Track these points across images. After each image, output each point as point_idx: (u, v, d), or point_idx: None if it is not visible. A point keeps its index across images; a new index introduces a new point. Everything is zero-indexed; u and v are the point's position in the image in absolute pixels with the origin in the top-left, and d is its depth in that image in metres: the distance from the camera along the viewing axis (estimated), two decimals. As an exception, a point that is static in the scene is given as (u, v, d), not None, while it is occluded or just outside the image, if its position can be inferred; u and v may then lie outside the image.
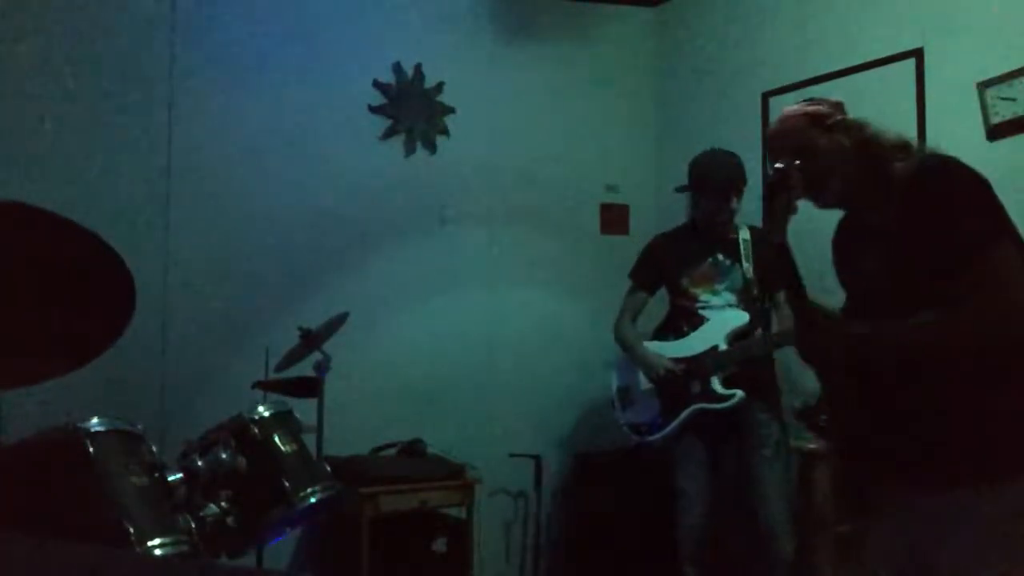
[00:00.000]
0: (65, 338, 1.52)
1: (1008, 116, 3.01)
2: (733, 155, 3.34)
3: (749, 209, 3.30)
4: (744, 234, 3.33)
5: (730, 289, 3.29)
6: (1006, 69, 3.03)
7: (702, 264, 3.33)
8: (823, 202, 1.92)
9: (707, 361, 3.20)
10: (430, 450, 3.67)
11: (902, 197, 1.75)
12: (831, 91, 3.66)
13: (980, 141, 3.06)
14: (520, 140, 4.28)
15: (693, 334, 3.28)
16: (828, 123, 1.88)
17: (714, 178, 3.27)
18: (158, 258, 3.46)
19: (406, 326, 3.96)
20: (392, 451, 3.68)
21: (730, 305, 3.27)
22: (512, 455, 3.95)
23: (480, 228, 4.18)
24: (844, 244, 2.00)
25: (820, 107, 1.93)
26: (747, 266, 3.26)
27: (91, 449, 1.95)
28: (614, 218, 4.51)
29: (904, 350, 1.70)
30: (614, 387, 3.52)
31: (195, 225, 3.55)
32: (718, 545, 3.45)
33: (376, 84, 3.95)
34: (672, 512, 3.33)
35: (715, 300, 3.29)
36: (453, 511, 3.64)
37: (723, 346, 3.19)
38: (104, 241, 1.46)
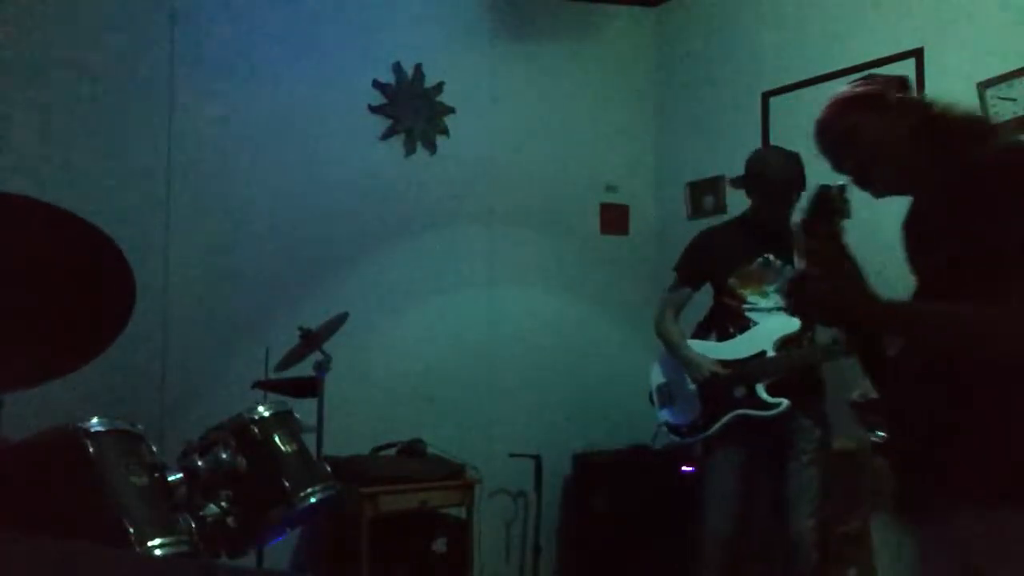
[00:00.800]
0: (65, 337, 1.51)
1: (1008, 116, 3.01)
2: (794, 154, 3.15)
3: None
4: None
5: (780, 292, 3.11)
6: (1006, 69, 3.03)
7: (752, 263, 3.18)
8: (876, 192, 1.75)
9: (754, 367, 3.08)
10: (430, 450, 3.67)
11: (973, 187, 1.55)
12: (831, 91, 3.68)
13: (980, 141, 3.06)
14: (520, 140, 4.28)
15: (740, 337, 3.16)
16: (882, 103, 1.69)
17: (776, 177, 3.10)
18: (158, 258, 3.46)
19: (406, 326, 3.96)
20: (392, 451, 3.68)
21: (778, 308, 3.11)
22: (512, 455, 3.95)
23: (480, 228, 4.18)
24: (912, 230, 1.77)
25: (872, 86, 1.74)
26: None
27: (91, 449, 1.95)
28: (614, 218, 4.51)
29: (929, 331, 1.56)
30: (654, 384, 3.40)
31: (195, 225, 3.55)
32: (742, 552, 3.40)
33: (376, 84, 3.95)
34: (698, 515, 3.22)
35: (763, 303, 3.15)
36: (453, 511, 3.64)
37: (771, 352, 3.07)
38: (105, 234, 1.46)
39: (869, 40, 3.53)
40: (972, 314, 1.51)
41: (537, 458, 3.92)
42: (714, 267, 3.27)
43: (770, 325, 3.11)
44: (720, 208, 4.17)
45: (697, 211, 4.32)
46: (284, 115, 3.73)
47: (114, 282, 1.50)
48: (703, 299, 3.38)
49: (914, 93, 1.74)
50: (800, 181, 3.09)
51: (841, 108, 1.76)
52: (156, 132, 3.50)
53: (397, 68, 3.99)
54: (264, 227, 3.68)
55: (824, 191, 1.62)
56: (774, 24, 3.98)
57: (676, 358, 3.28)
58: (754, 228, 3.23)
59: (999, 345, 1.49)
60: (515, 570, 4.16)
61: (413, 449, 3.64)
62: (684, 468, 3.82)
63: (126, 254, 1.54)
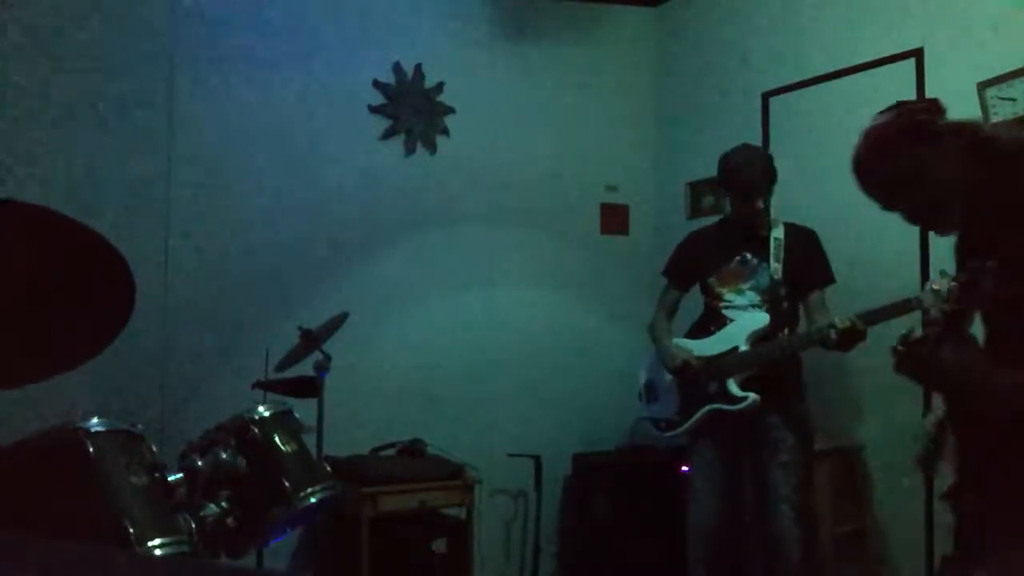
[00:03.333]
0: (63, 336, 1.52)
1: (1008, 116, 3.01)
2: (761, 151, 3.26)
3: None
4: (777, 232, 3.23)
5: (755, 289, 3.21)
6: (1006, 69, 3.03)
7: (730, 262, 3.26)
8: (943, 231, 1.61)
9: (725, 362, 3.16)
10: (430, 450, 3.67)
11: None
12: (831, 91, 3.69)
13: (980, 141, 3.06)
14: (520, 140, 4.28)
15: (717, 334, 3.24)
16: (933, 134, 1.53)
17: (740, 175, 3.19)
18: (158, 258, 3.46)
19: (406, 326, 3.96)
20: (392, 451, 3.68)
21: (753, 305, 3.20)
22: (512, 455, 3.95)
23: (480, 228, 4.18)
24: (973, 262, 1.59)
25: (916, 115, 1.57)
26: (775, 266, 3.18)
27: (91, 449, 1.95)
28: (614, 218, 4.51)
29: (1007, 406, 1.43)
30: (641, 381, 3.50)
31: (195, 225, 3.55)
32: (731, 548, 3.43)
33: (376, 84, 3.95)
34: (684, 510, 3.30)
35: (739, 300, 3.23)
36: (453, 511, 3.64)
37: (743, 347, 3.14)
38: (104, 238, 1.46)
39: (869, 40, 3.53)
40: None
41: (537, 458, 3.92)
42: (698, 268, 3.38)
43: (744, 322, 3.20)
44: (720, 208, 4.17)
45: (697, 211, 4.32)
46: (284, 115, 3.74)
47: (113, 282, 1.50)
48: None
49: (947, 116, 1.57)
50: (769, 177, 3.20)
51: (888, 144, 1.60)
52: (156, 133, 3.50)
53: (397, 68, 3.99)
54: (264, 227, 3.68)
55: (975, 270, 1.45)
56: (774, 24, 3.98)
57: (656, 352, 3.41)
58: (732, 227, 3.32)
59: None
60: (515, 570, 4.16)
61: (413, 449, 3.64)
62: (684, 468, 3.82)
63: (126, 254, 1.54)
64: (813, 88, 3.74)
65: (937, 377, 1.54)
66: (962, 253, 1.65)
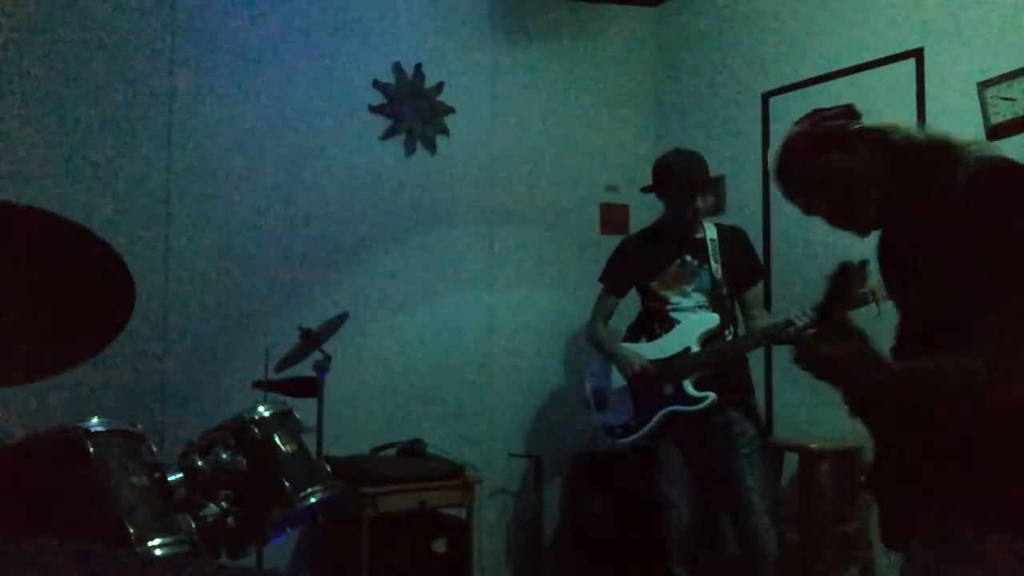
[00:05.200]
0: (63, 336, 1.51)
1: (1008, 116, 3.01)
2: (695, 154, 3.33)
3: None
4: (711, 233, 3.32)
5: (699, 290, 3.29)
6: (1006, 69, 3.03)
7: (671, 266, 3.33)
8: (860, 231, 1.67)
9: (679, 364, 3.21)
10: (430, 450, 3.67)
11: (948, 214, 1.50)
12: (831, 91, 3.69)
13: (980, 141, 3.06)
14: (520, 140, 4.28)
15: (665, 336, 3.29)
16: (845, 139, 1.62)
17: (677, 177, 3.26)
18: (158, 257, 3.46)
19: (406, 326, 3.96)
20: (392, 451, 3.68)
21: (700, 307, 3.27)
22: (512, 455, 3.95)
23: (480, 228, 4.18)
24: (890, 261, 1.71)
25: (830, 121, 1.65)
26: (715, 266, 3.26)
27: (91, 449, 1.95)
28: (614, 218, 4.51)
29: (940, 392, 1.48)
30: (588, 389, 3.52)
31: (195, 224, 3.55)
32: (707, 545, 3.46)
33: (376, 84, 3.95)
34: (656, 514, 3.34)
35: (685, 302, 3.30)
36: (453, 511, 3.64)
37: (695, 348, 3.20)
38: (103, 239, 1.46)
39: (869, 40, 3.53)
40: (959, 368, 1.44)
41: (537, 458, 3.92)
42: (636, 273, 3.44)
43: (692, 323, 3.25)
44: (720, 208, 4.17)
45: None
46: (284, 115, 3.74)
47: (113, 282, 1.50)
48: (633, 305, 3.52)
49: (862, 121, 1.65)
50: (705, 176, 3.28)
51: (802, 150, 1.68)
52: (156, 132, 3.50)
53: (397, 68, 3.99)
54: (264, 227, 3.68)
55: (846, 269, 1.53)
56: (774, 24, 3.98)
57: (608, 358, 3.43)
58: (668, 231, 3.39)
59: (991, 394, 1.44)
60: (515, 570, 4.16)
61: (413, 449, 3.65)
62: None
63: (126, 253, 1.54)
64: (813, 88, 3.74)
65: (826, 372, 1.59)
66: (881, 252, 1.73)
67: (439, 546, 3.70)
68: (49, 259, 1.43)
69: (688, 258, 3.31)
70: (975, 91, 3.09)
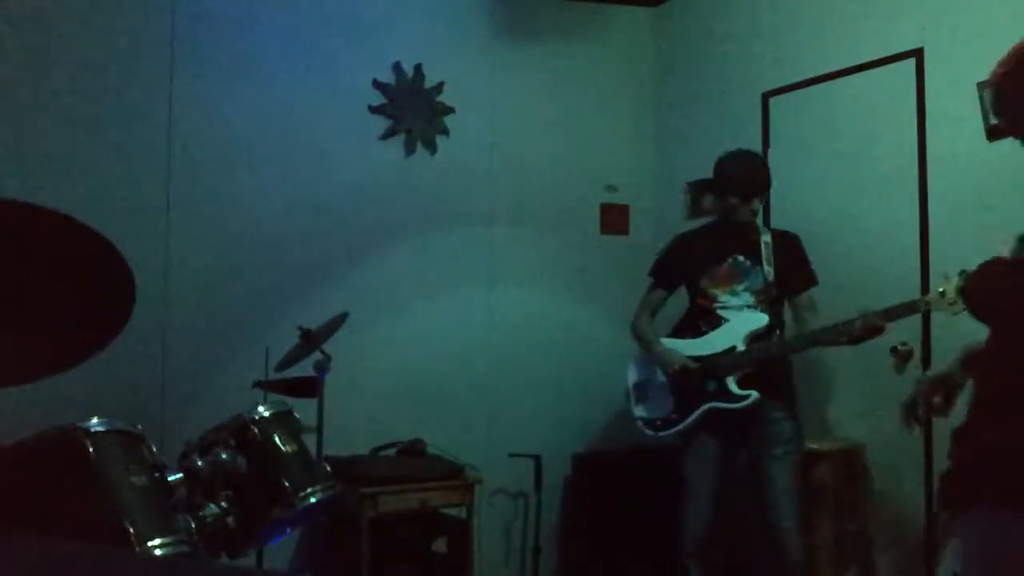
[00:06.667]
0: (63, 335, 1.51)
1: (1008, 116, 3.01)
2: (755, 156, 3.36)
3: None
4: (766, 237, 3.32)
5: (749, 290, 3.28)
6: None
7: (723, 264, 3.32)
8: None
9: (724, 361, 3.20)
10: (430, 450, 3.67)
11: None
12: (831, 91, 3.69)
13: (980, 141, 3.05)
14: (520, 140, 4.28)
15: (711, 333, 3.28)
16: None
17: (735, 178, 3.27)
18: (158, 258, 3.46)
19: (406, 326, 3.96)
20: (392, 451, 3.68)
21: (748, 306, 3.26)
22: (512, 455, 3.95)
23: (480, 228, 4.18)
24: None
25: None
26: (768, 269, 3.26)
27: (91, 449, 1.95)
28: (614, 218, 4.51)
29: None
30: (630, 382, 3.51)
31: (195, 225, 3.55)
32: (725, 544, 3.45)
33: (376, 84, 3.95)
34: (677, 506, 3.32)
35: (734, 301, 3.29)
36: (453, 511, 3.64)
37: (741, 347, 3.19)
38: (104, 237, 1.46)
39: (869, 40, 3.53)
40: None
41: (537, 458, 3.92)
42: (687, 270, 3.42)
43: (740, 322, 3.24)
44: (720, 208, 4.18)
45: (697, 211, 4.32)
46: (284, 115, 3.74)
47: (113, 281, 1.50)
48: (682, 303, 3.49)
49: None
50: (766, 180, 3.30)
51: None
52: (156, 133, 3.50)
53: (397, 68, 3.99)
54: (264, 227, 3.68)
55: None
56: (774, 24, 3.98)
57: (649, 355, 3.43)
58: (724, 230, 3.37)
59: None
60: (515, 570, 4.16)
61: (413, 449, 3.65)
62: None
63: (126, 253, 1.54)
64: (813, 88, 3.73)
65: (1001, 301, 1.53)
66: None
67: (439, 546, 3.71)
68: (49, 257, 1.43)
69: (741, 258, 3.31)
70: (975, 91, 3.08)
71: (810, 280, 3.33)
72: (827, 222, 3.53)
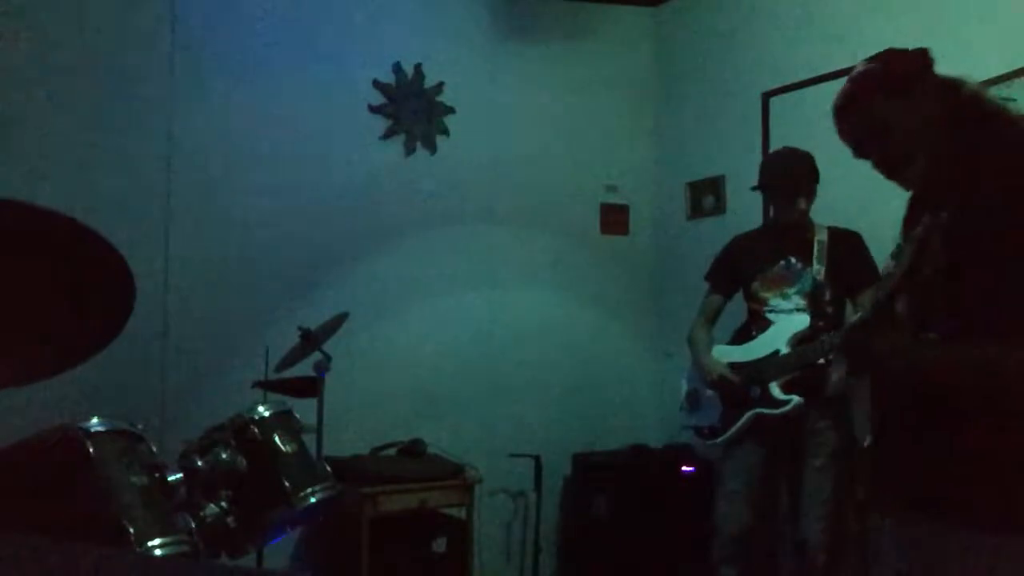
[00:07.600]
0: (62, 335, 1.51)
1: (1008, 116, 3.00)
2: (800, 153, 3.18)
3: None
4: (821, 235, 3.17)
5: (800, 293, 3.15)
6: (1006, 69, 3.02)
7: (775, 267, 3.20)
8: (907, 185, 1.58)
9: (766, 366, 3.10)
10: (430, 450, 3.67)
11: (996, 183, 1.40)
12: (831, 91, 3.68)
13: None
14: (520, 140, 4.28)
15: (758, 338, 3.18)
16: (910, 85, 1.53)
17: (777, 177, 3.17)
18: (158, 258, 3.46)
19: (406, 326, 3.96)
20: (392, 451, 3.68)
21: (798, 309, 3.14)
22: (512, 455, 3.95)
23: (480, 228, 4.18)
24: (914, 222, 1.59)
25: (896, 65, 1.57)
26: (817, 268, 3.12)
27: (91, 449, 1.95)
28: (614, 218, 4.51)
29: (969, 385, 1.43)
30: (683, 390, 3.43)
31: (195, 225, 3.55)
32: (760, 553, 3.38)
33: (376, 84, 3.95)
34: (713, 511, 3.23)
35: (783, 304, 3.17)
36: (453, 511, 3.64)
37: (784, 351, 3.08)
38: (103, 237, 1.46)
39: (869, 40, 3.51)
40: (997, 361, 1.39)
41: (537, 458, 3.92)
42: (741, 274, 3.32)
43: (785, 325, 3.13)
44: (720, 208, 4.18)
45: (697, 211, 4.32)
46: (284, 115, 3.74)
47: (113, 281, 1.50)
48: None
49: (935, 68, 1.55)
50: (809, 178, 3.15)
51: (864, 90, 1.60)
52: (156, 132, 3.50)
53: (397, 68, 3.99)
54: (264, 227, 3.68)
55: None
56: (774, 24, 3.98)
57: (693, 364, 3.35)
58: (775, 231, 3.29)
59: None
60: (515, 570, 4.16)
61: (413, 449, 3.65)
62: (684, 468, 3.83)
63: (126, 253, 1.54)
64: (813, 88, 3.73)
65: (869, 362, 1.60)
66: (912, 207, 1.65)
67: (439, 546, 3.70)
68: (48, 257, 1.43)
69: (792, 260, 3.18)
70: (975, 91, 3.08)
71: (868, 278, 3.03)
72: (826, 222, 3.53)
